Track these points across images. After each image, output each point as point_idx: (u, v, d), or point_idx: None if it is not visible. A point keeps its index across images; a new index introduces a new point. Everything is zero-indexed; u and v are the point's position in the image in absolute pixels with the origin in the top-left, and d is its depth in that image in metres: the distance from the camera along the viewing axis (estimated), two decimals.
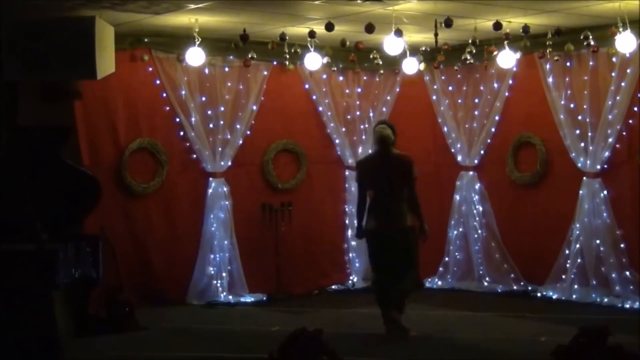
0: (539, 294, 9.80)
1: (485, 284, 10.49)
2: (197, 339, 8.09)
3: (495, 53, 9.47)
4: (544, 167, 10.05)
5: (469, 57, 9.47)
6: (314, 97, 10.66)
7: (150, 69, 9.58)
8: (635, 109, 9.17)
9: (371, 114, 11.03)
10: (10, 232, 7.20)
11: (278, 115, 10.46)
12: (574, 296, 9.49)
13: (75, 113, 9.07)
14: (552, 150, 9.96)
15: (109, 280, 8.41)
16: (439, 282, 10.93)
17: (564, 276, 9.64)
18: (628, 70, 9.09)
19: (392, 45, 8.69)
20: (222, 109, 9.96)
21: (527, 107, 10.20)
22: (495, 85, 10.42)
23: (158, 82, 9.63)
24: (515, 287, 10.19)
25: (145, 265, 9.56)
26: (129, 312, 8.44)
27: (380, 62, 9.89)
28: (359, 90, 10.99)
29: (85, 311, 8.16)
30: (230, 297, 9.88)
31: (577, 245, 9.52)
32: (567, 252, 9.63)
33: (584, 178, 9.52)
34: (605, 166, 9.41)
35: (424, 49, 9.99)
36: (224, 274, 9.89)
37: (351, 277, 10.95)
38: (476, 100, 10.64)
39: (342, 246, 10.98)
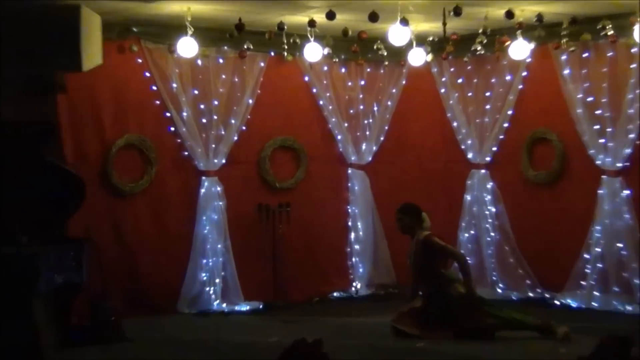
0: (556, 302, 9.73)
1: (499, 290, 10.41)
2: (188, 350, 8.03)
3: (507, 43, 9.43)
4: (561, 164, 9.95)
5: (479, 48, 9.52)
6: (314, 90, 10.62)
7: (140, 60, 9.54)
8: None
9: (375, 108, 11.02)
10: None
11: (276, 110, 10.41)
12: (594, 304, 9.40)
13: (58, 107, 9.01)
14: (569, 147, 9.87)
15: (93, 286, 8.34)
16: None
17: (583, 282, 9.54)
18: None
19: (397, 35, 8.65)
20: (216, 103, 9.89)
21: (542, 101, 10.13)
22: (508, 77, 10.34)
23: (148, 74, 9.59)
24: (531, 294, 10.13)
25: (132, 270, 9.49)
26: (115, 321, 8.31)
27: (385, 53, 9.96)
28: (362, 82, 10.96)
29: (68, 320, 8.02)
30: (224, 305, 9.80)
31: (598, 249, 9.43)
32: (586, 256, 9.53)
33: (604, 176, 9.43)
34: (627, 164, 9.30)
35: (431, 39, 9.92)
36: (217, 280, 9.80)
37: (354, 284, 10.87)
38: (487, 94, 10.55)
39: (345, 250, 10.93)
